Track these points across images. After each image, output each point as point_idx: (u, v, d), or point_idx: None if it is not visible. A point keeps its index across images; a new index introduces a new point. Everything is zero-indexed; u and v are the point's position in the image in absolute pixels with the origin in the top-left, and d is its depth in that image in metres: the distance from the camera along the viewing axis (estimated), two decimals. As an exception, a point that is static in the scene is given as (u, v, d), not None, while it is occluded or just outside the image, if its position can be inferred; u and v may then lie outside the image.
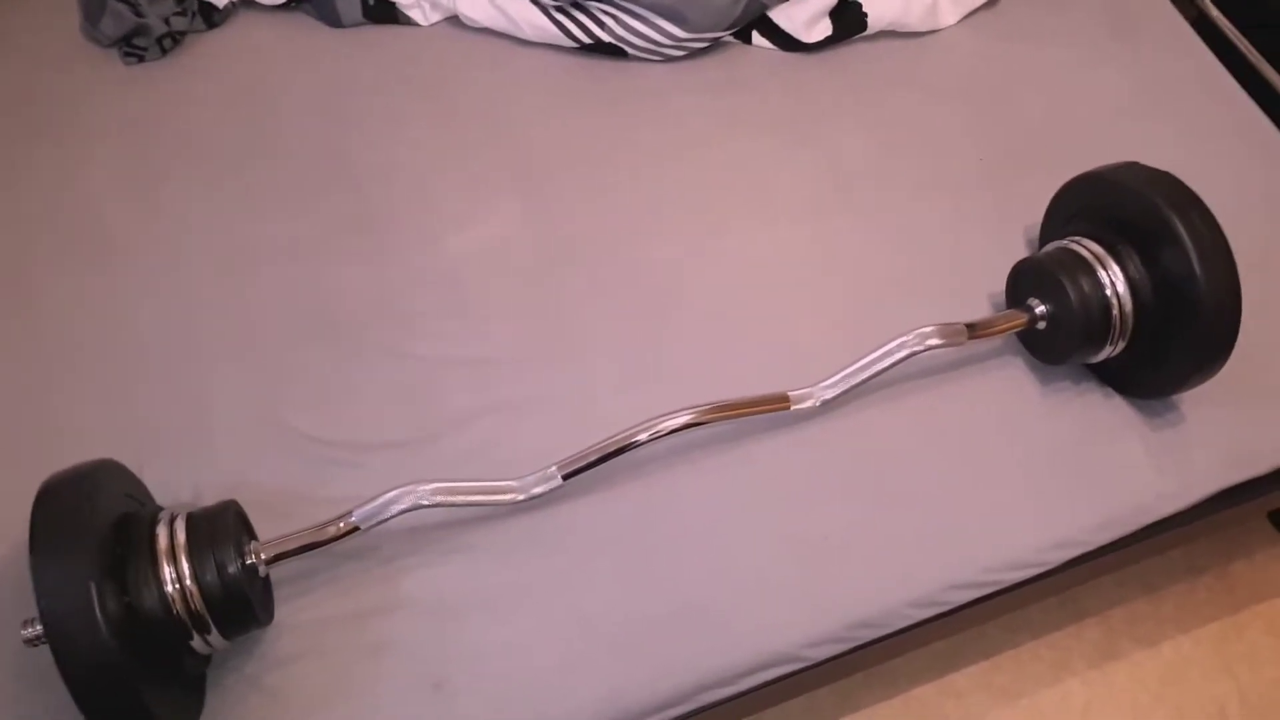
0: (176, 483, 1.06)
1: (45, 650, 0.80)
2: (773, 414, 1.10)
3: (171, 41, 1.41)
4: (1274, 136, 1.44)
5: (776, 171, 1.37)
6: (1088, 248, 1.14)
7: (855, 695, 1.40)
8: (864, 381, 1.11)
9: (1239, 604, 1.51)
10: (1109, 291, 1.11)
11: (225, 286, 1.23)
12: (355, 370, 1.17)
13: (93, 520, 0.85)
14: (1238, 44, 1.58)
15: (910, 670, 1.42)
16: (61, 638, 0.79)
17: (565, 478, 1.03)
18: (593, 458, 1.03)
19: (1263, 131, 1.45)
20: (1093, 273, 1.12)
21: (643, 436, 1.04)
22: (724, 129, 1.41)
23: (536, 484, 1.04)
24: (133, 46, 1.40)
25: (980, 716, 1.41)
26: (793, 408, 1.10)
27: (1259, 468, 1.18)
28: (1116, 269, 1.11)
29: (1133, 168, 1.15)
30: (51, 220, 1.27)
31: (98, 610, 0.80)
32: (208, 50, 1.44)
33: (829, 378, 1.12)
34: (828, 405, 1.12)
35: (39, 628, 0.81)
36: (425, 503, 1.00)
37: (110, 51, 1.41)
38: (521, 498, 1.04)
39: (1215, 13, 1.61)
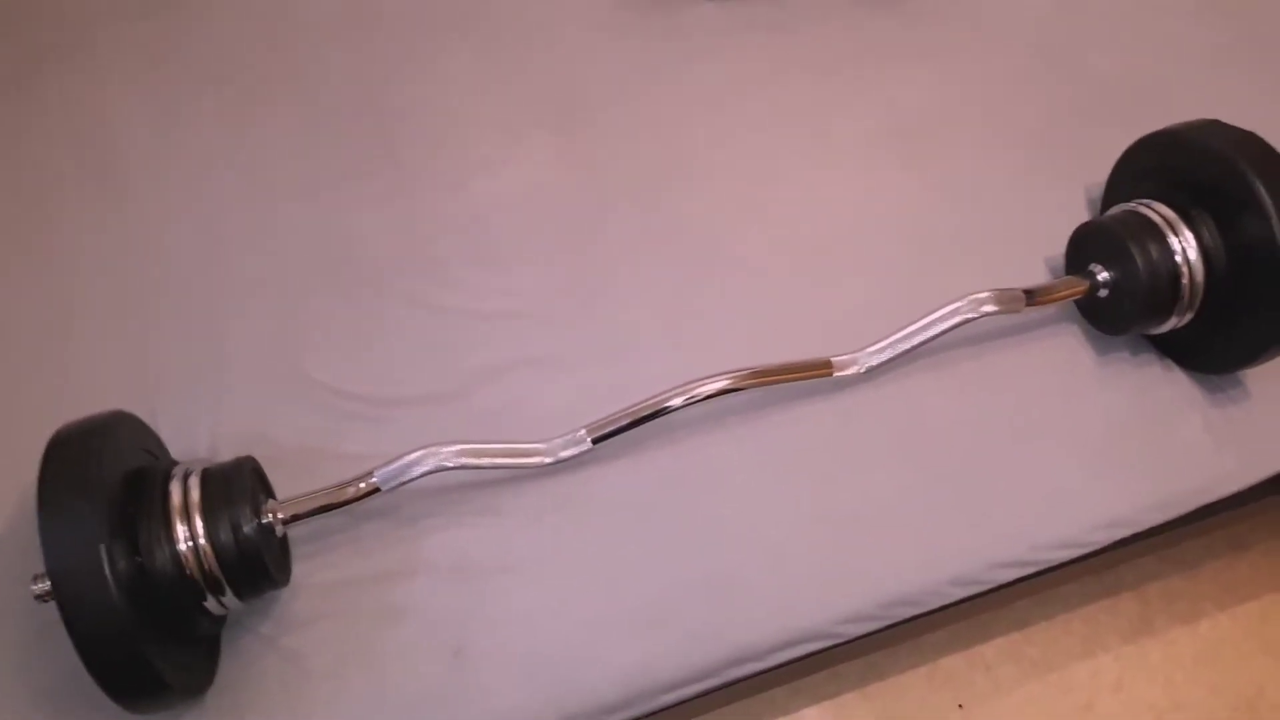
0: (192, 434, 1.03)
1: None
2: (814, 380, 1.05)
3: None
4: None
5: (830, 118, 1.30)
6: (1158, 211, 1.07)
7: (881, 665, 1.37)
8: (913, 349, 1.06)
9: (1282, 583, 1.46)
10: (1179, 259, 1.04)
11: (244, 224, 1.17)
12: (378, 320, 1.11)
13: (103, 476, 0.81)
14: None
15: (937, 640, 1.39)
16: (70, 600, 0.76)
17: (595, 441, 0.99)
18: (624, 422, 0.99)
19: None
20: (1162, 238, 1.05)
21: (676, 401, 0.99)
22: (777, 71, 1.33)
23: (565, 447, 0.99)
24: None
25: (1010, 689, 1.37)
26: (835, 374, 1.05)
27: (1326, 449, 1.12)
28: (1189, 235, 1.04)
29: (1214, 126, 1.06)
30: (68, 145, 1.22)
31: (107, 572, 0.76)
32: (231, -27, 1.37)
33: (875, 343, 1.06)
34: (872, 372, 1.06)
35: (47, 584, 0.77)
36: (449, 464, 0.95)
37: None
38: (549, 461, 0.99)
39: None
